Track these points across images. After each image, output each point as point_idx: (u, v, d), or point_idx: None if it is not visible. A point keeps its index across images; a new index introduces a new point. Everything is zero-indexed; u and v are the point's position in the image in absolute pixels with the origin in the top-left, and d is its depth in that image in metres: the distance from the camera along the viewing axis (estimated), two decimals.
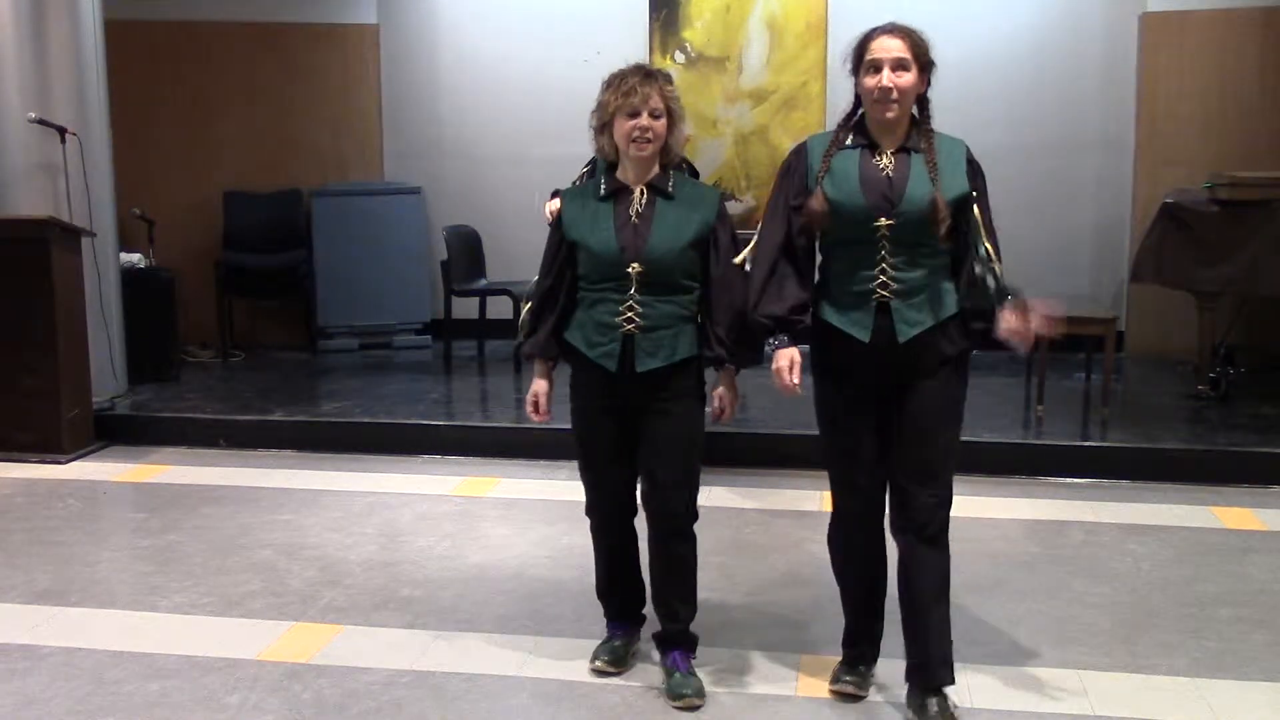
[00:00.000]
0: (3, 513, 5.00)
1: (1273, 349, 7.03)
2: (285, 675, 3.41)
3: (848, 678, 3.26)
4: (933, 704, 3.07)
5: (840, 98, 8.53)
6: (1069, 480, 5.34)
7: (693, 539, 3.32)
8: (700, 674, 3.33)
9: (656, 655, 3.40)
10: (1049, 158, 7.56)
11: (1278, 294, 6.37)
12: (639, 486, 3.31)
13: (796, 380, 3.08)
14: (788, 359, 3.08)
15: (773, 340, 3.10)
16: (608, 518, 3.37)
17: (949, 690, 3.12)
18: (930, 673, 3.10)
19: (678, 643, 3.34)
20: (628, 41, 7.66)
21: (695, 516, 3.30)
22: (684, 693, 3.23)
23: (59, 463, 5.70)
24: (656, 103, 3.12)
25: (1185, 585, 4.10)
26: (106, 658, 3.53)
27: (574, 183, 4.82)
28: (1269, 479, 5.24)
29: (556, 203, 4.72)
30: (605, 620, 3.50)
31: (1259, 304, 6.90)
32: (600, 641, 3.46)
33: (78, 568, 4.34)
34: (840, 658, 3.33)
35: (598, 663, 3.39)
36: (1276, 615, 3.84)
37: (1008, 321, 3.00)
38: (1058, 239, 7.53)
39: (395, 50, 8.20)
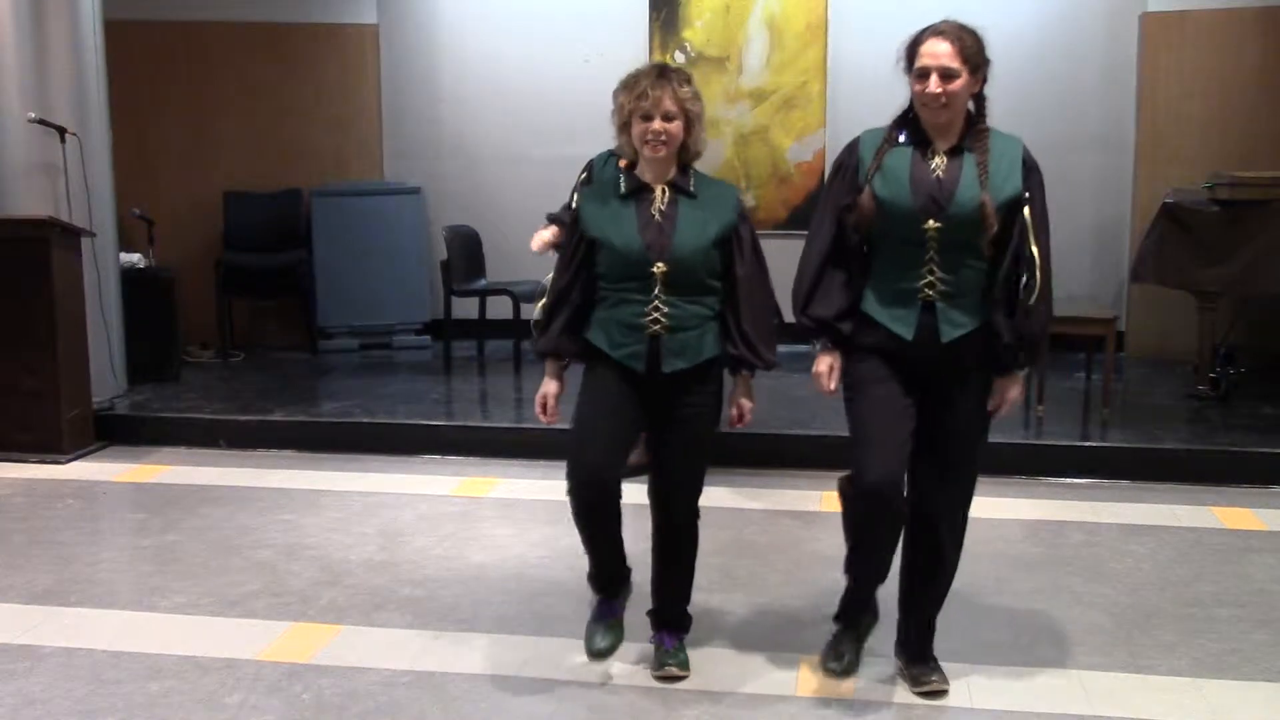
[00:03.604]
0: (3, 513, 5.00)
1: (1273, 349, 7.03)
2: (285, 675, 3.41)
3: (831, 664, 3.30)
4: (921, 670, 3.27)
5: (841, 97, 8.56)
6: (1069, 480, 5.34)
7: (696, 536, 3.39)
8: (701, 675, 3.34)
9: (648, 656, 3.41)
10: (1049, 158, 7.38)
11: (1278, 294, 6.37)
12: (649, 484, 3.32)
13: (834, 386, 3.12)
14: (828, 364, 3.12)
15: (814, 343, 3.12)
16: (586, 486, 3.16)
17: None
18: (922, 643, 3.29)
19: (670, 624, 3.42)
20: (628, 41, 7.67)
21: (698, 516, 3.36)
22: (666, 663, 3.34)
23: (59, 463, 5.70)
24: (669, 105, 3.10)
25: (1185, 585, 4.10)
26: (106, 658, 3.53)
27: (573, 191, 4.84)
28: (1269, 479, 5.24)
29: (548, 233, 4.79)
30: (599, 604, 3.39)
31: (1259, 304, 6.90)
32: (593, 620, 3.37)
33: (78, 568, 4.34)
34: (834, 626, 3.36)
35: (603, 644, 3.32)
36: (1276, 615, 3.84)
37: (1007, 391, 3.11)
38: (1058, 239, 7.43)
39: (395, 50, 8.20)
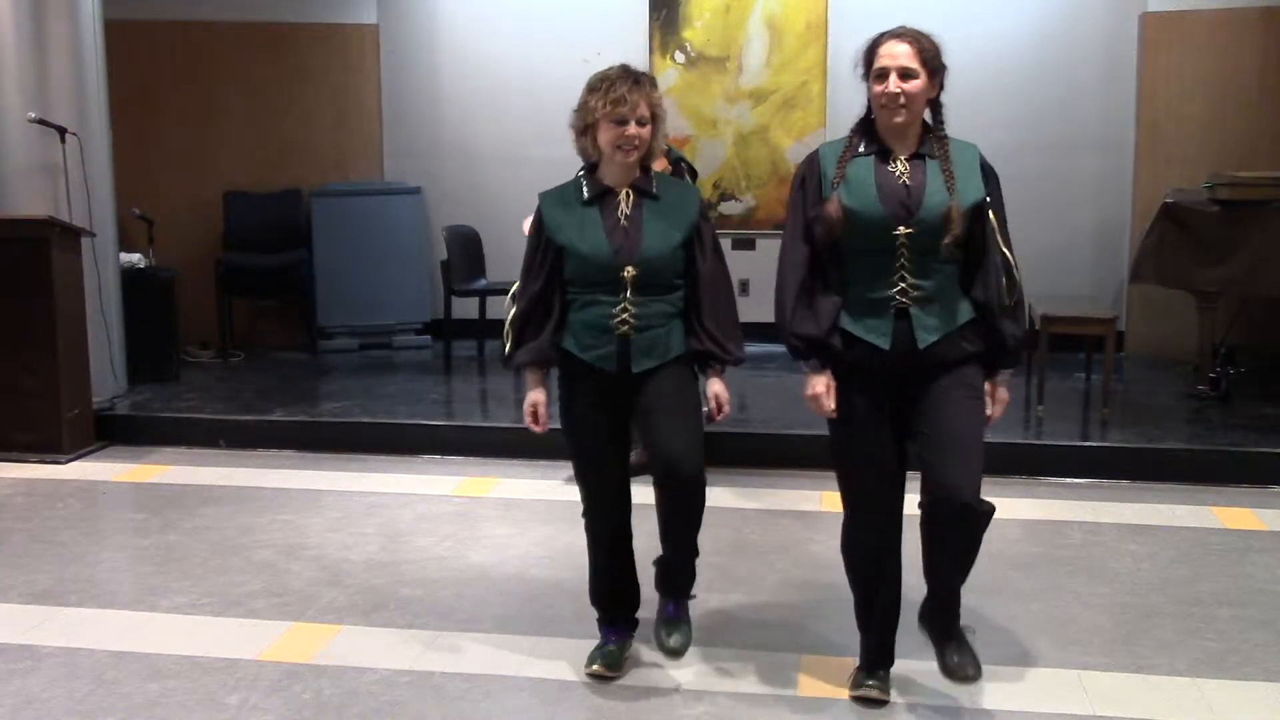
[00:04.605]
0: (3, 513, 5.00)
1: (1273, 349, 7.03)
2: (285, 675, 3.41)
3: (870, 682, 3.22)
4: (951, 648, 3.13)
5: (840, 97, 8.54)
6: (1069, 480, 5.34)
7: (703, 489, 3.20)
8: (701, 675, 3.35)
9: (649, 656, 3.41)
10: (1049, 158, 7.55)
11: (1278, 294, 6.37)
12: (650, 460, 3.23)
13: (833, 405, 3.06)
14: (824, 384, 3.06)
15: (805, 364, 3.07)
16: (606, 518, 3.34)
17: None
18: (950, 623, 3.17)
19: (674, 586, 3.37)
20: (628, 41, 7.66)
21: (703, 470, 3.19)
22: (666, 636, 3.33)
23: (59, 463, 5.70)
24: (644, 111, 3.12)
25: (1185, 585, 4.10)
26: (106, 658, 3.53)
27: None
28: (1269, 479, 5.24)
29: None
30: (599, 624, 3.47)
31: (1259, 304, 6.90)
32: (595, 646, 3.44)
33: (78, 568, 4.34)
34: (856, 664, 3.29)
35: (595, 667, 3.37)
36: (1276, 615, 3.84)
37: (998, 392, 3.12)
38: (1058, 239, 7.52)
39: (395, 50, 8.20)
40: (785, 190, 7.79)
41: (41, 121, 5.90)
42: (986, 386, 3.11)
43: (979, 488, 3.06)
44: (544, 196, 3.31)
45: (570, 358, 3.22)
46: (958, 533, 3.05)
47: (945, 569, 3.12)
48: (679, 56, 7.89)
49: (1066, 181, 7.63)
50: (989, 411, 3.12)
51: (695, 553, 3.38)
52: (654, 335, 3.15)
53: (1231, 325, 6.71)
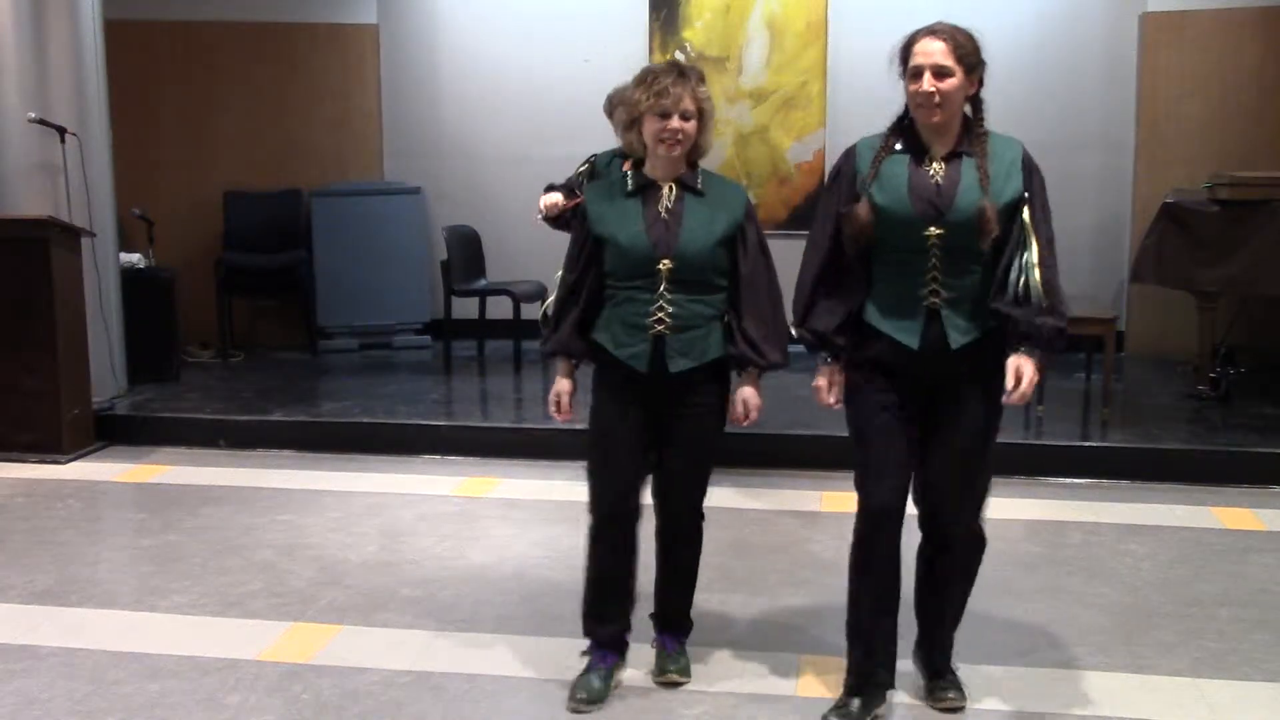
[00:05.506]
0: (3, 513, 5.00)
1: (1273, 349, 7.03)
2: (285, 675, 3.41)
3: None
4: (940, 683, 3.19)
5: (841, 97, 8.53)
6: (1069, 480, 5.34)
7: (699, 538, 3.35)
8: (701, 675, 3.35)
9: (650, 662, 3.40)
10: (1049, 158, 7.38)
11: (1278, 294, 6.37)
12: (652, 483, 3.29)
13: (835, 400, 3.08)
14: (827, 378, 3.07)
15: (817, 355, 3.08)
16: (613, 519, 3.23)
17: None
18: (942, 658, 3.23)
19: (671, 627, 3.39)
20: (628, 41, 7.67)
21: (703, 517, 3.33)
22: (668, 668, 3.31)
23: (59, 463, 5.70)
24: (688, 104, 3.08)
25: (1185, 585, 4.10)
26: (106, 658, 3.53)
27: (569, 179, 4.82)
28: (1269, 479, 5.24)
29: (555, 197, 4.73)
30: (588, 644, 3.32)
31: (1259, 304, 6.90)
32: (580, 673, 3.27)
33: (78, 568, 4.34)
34: (843, 687, 3.13)
35: (573, 702, 3.19)
36: (1276, 615, 3.84)
37: (1020, 369, 2.95)
38: (1058, 239, 7.48)
39: (395, 50, 8.20)
40: (786, 190, 7.90)
41: (41, 121, 5.90)
42: (1009, 362, 2.96)
43: (974, 523, 3.16)
44: (590, 189, 3.35)
45: (605, 353, 3.21)
46: (949, 564, 3.18)
47: (934, 597, 3.19)
48: (679, 56, 7.88)
49: (1066, 181, 7.58)
50: (1008, 384, 2.96)
51: (688, 613, 3.41)
52: (691, 336, 3.13)
53: (1231, 325, 6.71)
